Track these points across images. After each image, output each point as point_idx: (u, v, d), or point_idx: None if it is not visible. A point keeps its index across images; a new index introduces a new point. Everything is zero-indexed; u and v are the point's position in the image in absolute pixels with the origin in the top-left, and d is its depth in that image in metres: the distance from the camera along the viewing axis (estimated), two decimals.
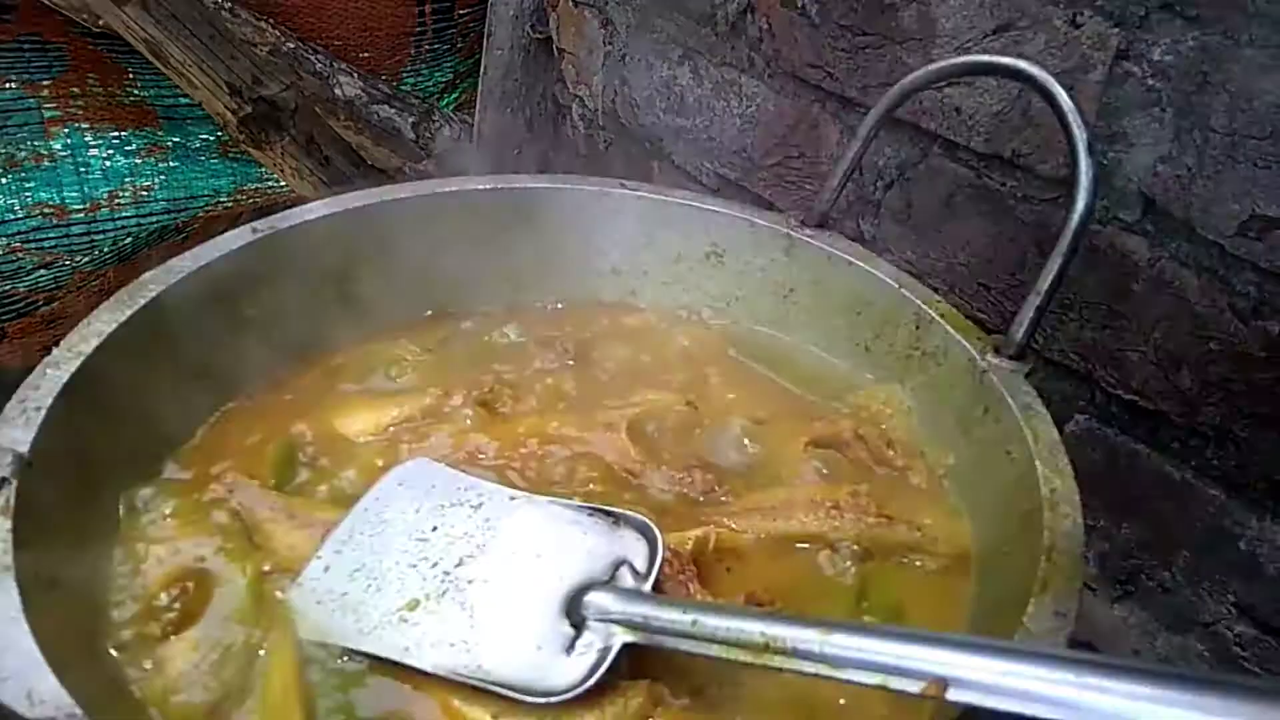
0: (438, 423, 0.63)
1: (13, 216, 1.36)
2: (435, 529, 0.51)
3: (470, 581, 0.49)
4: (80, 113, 1.36)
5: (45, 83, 1.33)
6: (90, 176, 1.39)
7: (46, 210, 1.38)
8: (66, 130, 1.36)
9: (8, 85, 1.31)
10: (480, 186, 0.73)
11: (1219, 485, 0.72)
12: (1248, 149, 0.64)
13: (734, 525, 0.56)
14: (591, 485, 0.59)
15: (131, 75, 1.36)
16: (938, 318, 0.63)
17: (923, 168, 0.86)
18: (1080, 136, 0.55)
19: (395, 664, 0.46)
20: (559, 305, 0.77)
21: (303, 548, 0.52)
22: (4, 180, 1.34)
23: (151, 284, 0.57)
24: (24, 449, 0.46)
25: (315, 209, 0.67)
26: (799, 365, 0.72)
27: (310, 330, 0.67)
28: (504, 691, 0.44)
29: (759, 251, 0.74)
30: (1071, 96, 0.70)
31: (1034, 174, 0.78)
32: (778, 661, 0.40)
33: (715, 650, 0.42)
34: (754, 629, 0.41)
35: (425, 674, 0.46)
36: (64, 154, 1.37)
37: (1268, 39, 0.62)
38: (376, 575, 0.49)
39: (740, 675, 0.48)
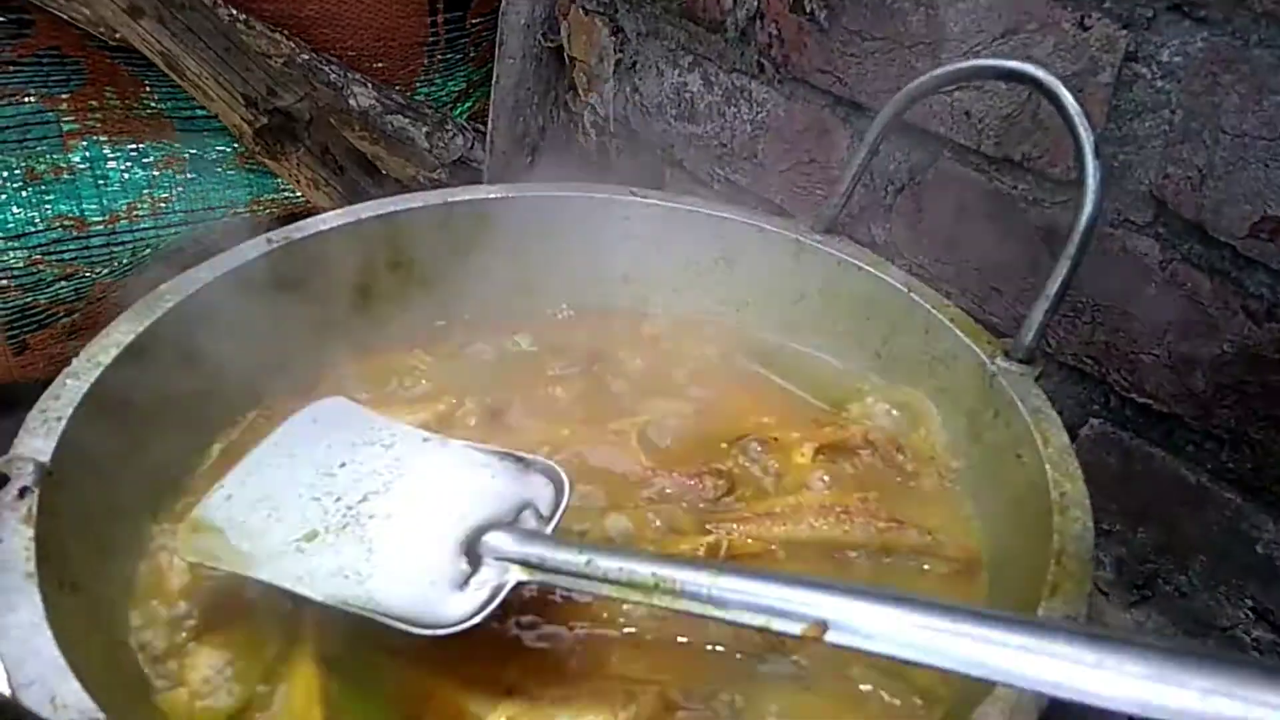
0: (450, 431, 0.63)
1: (33, 229, 1.38)
2: (343, 465, 0.52)
3: (371, 517, 0.49)
4: (98, 125, 1.38)
5: (64, 96, 1.34)
6: (109, 189, 1.41)
7: (66, 222, 1.40)
8: (85, 143, 1.38)
9: (27, 99, 1.33)
10: (491, 195, 0.74)
11: (1235, 488, 0.72)
12: (1258, 150, 0.64)
13: (745, 532, 0.56)
14: (601, 491, 0.59)
15: (148, 88, 1.38)
16: (947, 322, 0.63)
17: (933, 172, 0.86)
18: (1087, 139, 0.55)
19: (288, 592, 0.47)
20: (570, 313, 0.77)
21: None
22: (24, 193, 1.36)
23: (169, 294, 0.58)
24: (45, 458, 0.47)
25: (329, 219, 0.67)
26: (809, 370, 0.72)
27: (324, 340, 0.68)
28: (391, 622, 0.45)
29: (768, 257, 0.74)
30: (1080, 99, 0.70)
31: (1044, 177, 0.78)
32: (666, 601, 0.42)
33: (607, 590, 0.44)
34: (645, 570, 0.43)
35: (322, 604, 0.46)
36: (83, 166, 1.38)
37: (1276, 39, 0.61)
38: (278, 506, 0.50)
39: (755, 683, 0.48)
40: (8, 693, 0.36)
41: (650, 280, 0.79)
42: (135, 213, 1.43)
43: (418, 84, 1.50)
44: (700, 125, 1.08)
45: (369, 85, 1.42)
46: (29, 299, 1.41)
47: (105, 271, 1.44)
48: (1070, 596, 0.43)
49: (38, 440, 0.48)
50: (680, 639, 0.50)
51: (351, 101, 1.41)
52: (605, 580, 0.43)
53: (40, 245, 1.39)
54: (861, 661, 0.49)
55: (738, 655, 0.49)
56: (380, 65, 1.46)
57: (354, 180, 1.34)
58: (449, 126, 1.47)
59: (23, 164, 1.35)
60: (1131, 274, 0.74)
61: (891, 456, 0.62)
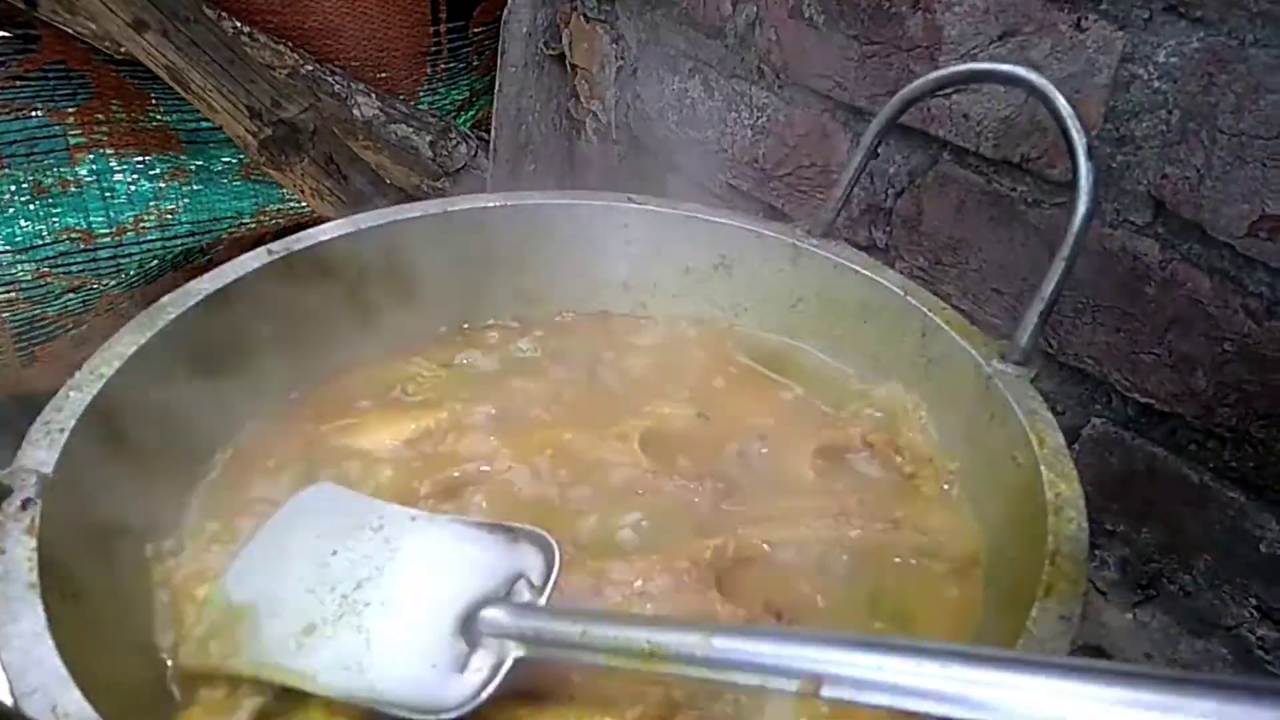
0: (454, 437, 0.64)
1: (41, 242, 1.39)
2: (335, 553, 0.51)
3: (367, 604, 0.48)
4: (105, 139, 1.39)
5: (70, 110, 1.35)
6: (116, 201, 1.42)
7: (73, 235, 1.41)
8: (92, 156, 1.39)
9: (34, 113, 1.34)
10: (490, 204, 0.74)
11: (1238, 487, 0.72)
12: (1255, 149, 0.64)
13: (747, 534, 0.56)
14: (604, 495, 0.60)
15: (154, 100, 1.39)
16: (943, 324, 0.64)
17: (933, 174, 0.86)
18: (1080, 141, 0.55)
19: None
20: (571, 318, 0.78)
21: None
22: (32, 206, 1.37)
23: (170, 306, 0.58)
24: (48, 470, 0.47)
25: (329, 230, 0.68)
26: (808, 373, 0.72)
27: (327, 349, 0.68)
28: (397, 711, 0.45)
29: (766, 262, 0.74)
30: (1077, 100, 0.70)
31: (1043, 178, 0.78)
32: (662, 668, 0.41)
33: (603, 659, 0.43)
34: (639, 637, 0.42)
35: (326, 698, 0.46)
36: (90, 180, 1.39)
37: (1271, 39, 0.62)
38: (274, 602, 0.49)
39: None
40: (10, 702, 0.37)
41: (650, 285, 0.79)
42: (142, 224, 1.44)
43: (421, 93, 1.51)
44: (701, 130, 1.09)
45: (372, 95, 1.43)
46: (37, 311, 1.42)
47: (113, 283, 1.45)
48: (1065, 596, 0.43)
49: (40, 452, 0.48)
50: None
51: (355, 111, 1.42)
52: (601, 650, 0.43)
53: (48, 258, 1.40)
54: None
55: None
56: (384, 75, 1.47)
57: (358, 190, 1.34)
58: (452, 135, 1.48)
59: (30, 178, 1.36)
60: (1131, 274, 0.74)
61: (889, 458, 0.62)
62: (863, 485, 0.61)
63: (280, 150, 1.27)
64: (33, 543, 0.43)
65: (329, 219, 0.71)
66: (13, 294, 1.39)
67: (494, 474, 0.61)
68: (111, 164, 1.40)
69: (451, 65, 1.52)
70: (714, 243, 0.76)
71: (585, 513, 0.59)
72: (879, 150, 0.71)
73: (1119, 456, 0.79)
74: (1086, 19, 0.71)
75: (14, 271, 1.38)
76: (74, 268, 1.42)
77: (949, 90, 0.79)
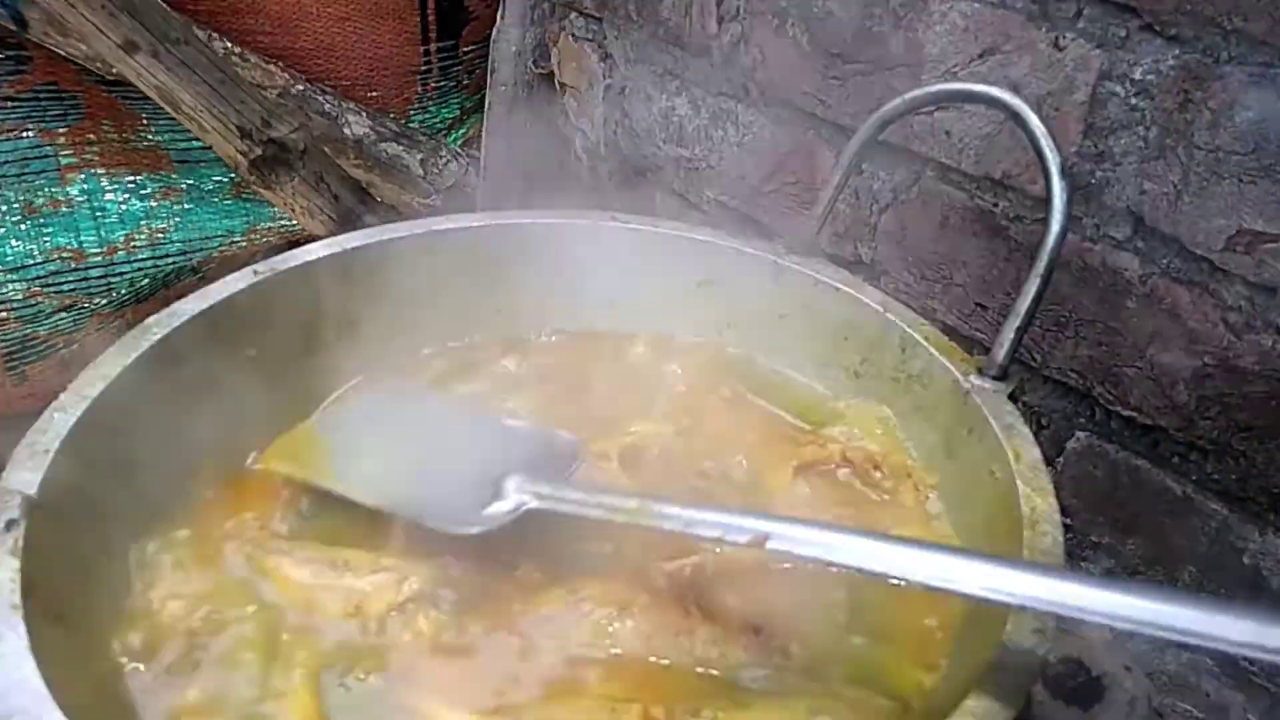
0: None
1: (32, 261, 1.39)
2: (396, 426, 0.62)
3: (420, 460, 0.59)
4: (96, 159, 1.39)
5: (61, 131, 1.36)
6: (107, 220, 1.42)
7: (65, 254, 1.41)
8: (83, 176, 1.39)
9: (25, 134, 1.34)
10: (476, 224, 0.75)
11: (1221, 499, 0.72)
12: (1231, 165, 0.65)
13: (725, 552, 0.56)
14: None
15: (145, 121, 1.39)
16: (922, 340, 0.64)
17: (916, 190, 0.87)
18: (1053, 159, 0.56)
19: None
20: (555, 337, 0.78)
21: (307, 584, 0.54)
22: (23, 226, 1.38)
23: (156, 327, 0.59)
24: (33, 491, 0.47)
25: (315, 250, 0.68)
26: (790, 390, 0.73)
27: (313, 369, 0.69)
28: (436, 524, 0.55)
29: (748, 279, 0.75)
30: (1056, 117, 0.71)
31: (1025, 194, 0.78)
32: (645, 520, 0.51)
33: (601, 514, 0.53)
34: (629, 503, 0.52)
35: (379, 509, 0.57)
36: (81, 199, 1.40)
37: (1246, 56, 0.62)
38: (345, 445, 0.61)
39: (735, 696, 0.49)
40: None
41: (634, 304, 0.79)
42: (133, 244, 1.44)
43: (411, 112, 1.52)
44: (689, 148, 1.10)
45: (363, 114, 1.44)
46: (28, 330, 1.42)
47: (104, 302, 1.45)
48: (1040, 611, 0.43)
49: (25, 473, 0.48)
50: (663, 661, 0.51)
51: (346, 130, 1.43)
52: (600, 507, 0.53)
53: (39, 277, 1.40)
54: (844, 675, 0.50)
55: (723, 673, 0.50)
56: (374, 94, 1.48)
57: (348, 208, 1.35)
58: (443, 153, 1.49)
59: (21, 198, 1.36)
60: (1112, 288, 0.74)
61: (869, 474, 0.63)
62: (842, 501, 0.61)
63: (271, 170, 1.28)
64: (16, 564, 0.44)
65: (320, 237, 0.71)
66: (4, 313, 1.39)
67: None
68: (103, 184, 1.41)
69: (442, 84, 1.53)
70: (697, 261, 0.77)
71: (564, 533, 0.58)
72: (862, 168, 0.71)
73: (1103, 469, 0.80)
74: (1064, 37, 0.72)
75: (5, 291, 1.39)
76: (65, 287, 1.42)
77: (928, 109, 0.80)
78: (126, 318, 1.46)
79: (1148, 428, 0.75)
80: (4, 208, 1.36)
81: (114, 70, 1.27)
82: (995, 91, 0.59)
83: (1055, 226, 0.56)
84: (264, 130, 1.25)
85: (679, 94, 1.09)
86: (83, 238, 1.41)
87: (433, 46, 1.49)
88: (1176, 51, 0.66)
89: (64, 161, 1.38)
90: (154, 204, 1.44)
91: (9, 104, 1.32)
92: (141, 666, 0.49)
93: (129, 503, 0.55)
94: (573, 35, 1.24)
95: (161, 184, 1.44)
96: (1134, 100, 0.69)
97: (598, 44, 1.20)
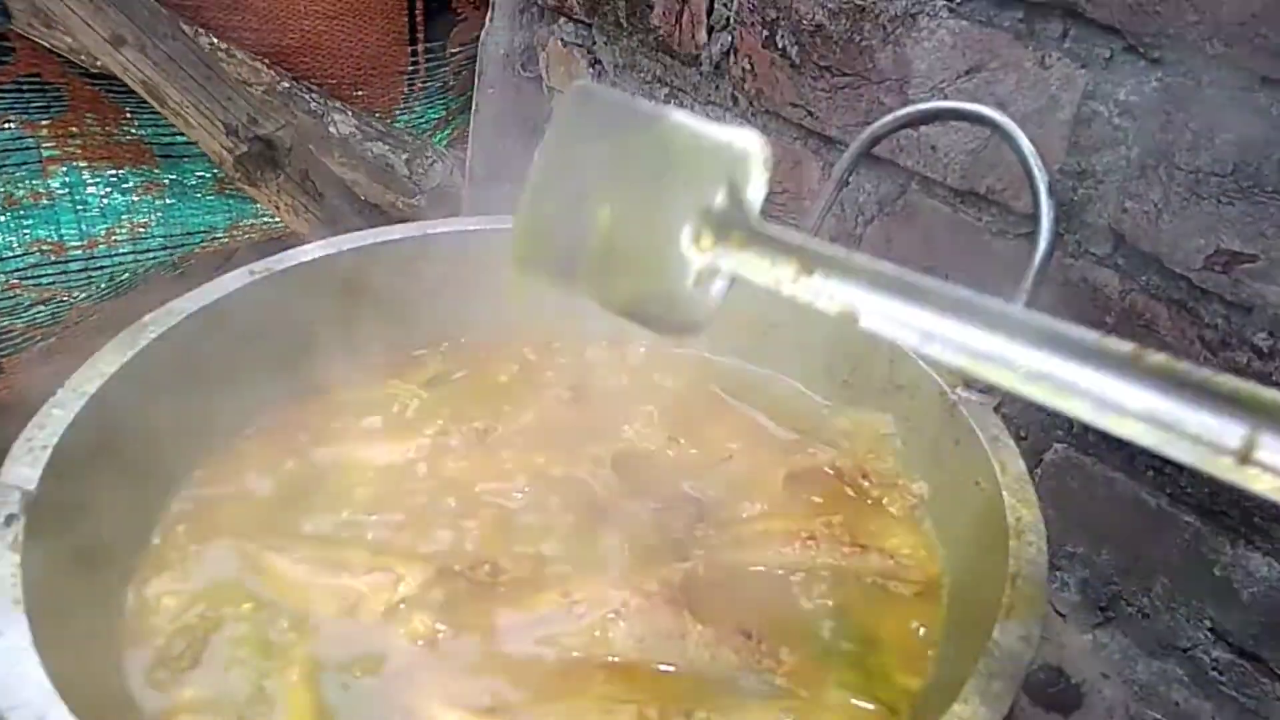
0: (432, 458, 0.65)
1: (11, 254, 1.38)
2: (597, 168, 0.48)
3: (619, 220, 0.46)
4: (78, 151, 1.39)
5: (44, 122, 1.35)
6: (88, 214, 1.42)
7: (45, 247, 1.40)
8: (65, 169, 1.38)
9: (7, 125, 1.33)
10: (470, 227, 0.75)
11: (1193, 512, 0.74)
12: (1211, 186, 0.66)
13: (717, 557, 0.58)
14: (576, 516, 0.61)
15: (129, 114, 1.39)
16: (910, 352, 0.65)
17: (901, 203, 0.88)
18: (1041, 179, 0.57)
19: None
20: (549, 343, 0.79)
21: (302, 583, 0.54)
22: (3, 218, 1.37)
23: (152, 325, 0.59)
24: (31, 486, 0.48)
25: (310, 250, 0.69)
26: (780, 399, 0.74)
27: (307, 370, 0.69)
28: (651, 328, 0.46)
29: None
30: (1040, 134, 0.73)
31: (1008, 209, 0.80)
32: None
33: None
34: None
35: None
36: (62, 192, 1.39)
37: (1226, 80, 0.64)
38: (554, 221, 0.48)
39: (731, 699, 0.50)
40: None
41: None
42: (114, 238, 1.44)
43: (398, 112, 1.52)
44: None
45: (349, 113, 1.44)
46: (5, 323, 1.41)
47: (83, 296, 1.44)
48: (1025, 618, 0.44)
49: (24, 469, 0.49)
50: (662, 666, 0.52)
51: (331, 129, 1.43)
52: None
53: (18, 270, 1.39)
54: (834, 680, 0.51)
55: (716, 676, 0.51)
56: (360, 93, 1.48)
57: (333, 206, 1.35)
58: (428, 154, 1.49)
59: (2, 189, 1.35)
60: (1091, 304, 0.76)
61: (857, 483, 0.64)
62: (831, 509, 0.62)
63: (256, 167, 1.27)
64: (16, 559, 0.44)
65: (303, 235, 0.71)
66: None
67: (472, 496, 0.62)
68: (84, 177, 1.40)
69: (428, 85, 1.53)
70: None
71: (558, 533, 0.60)
72: (849, 180, 0.72)
73: (1079, 481, 0.81)
74: (1050, 57, 0.73)
75: None
76: (44, 280, 1.41)
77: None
78: (105, 312, 1.46)
79: (1124, 441, 0.77)
80: None
81: (99, 63, 1.26)
82: (988, 111, 0.60)
83: (1043, 245, 0.57)
84: (250, 127, 1.25)
85: (667, 101, 1.09)
86: (63, 230, 1.40)
87: (420, 47, 1.49)
88: (1159, 74, 0.68)
89: (46, 154, 1.37)
90: (136, 198, 1.43)
91: None
92: (141, 663, 0.49)
93: (125, 498, 0.55)
94: (562, 40, 1.24)
95: (144, 178, 1.43)
96: (1117, 120, 0.71)
97: (586, 49, 1.20)
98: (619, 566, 0.57)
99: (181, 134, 1.33)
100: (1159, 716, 0.79)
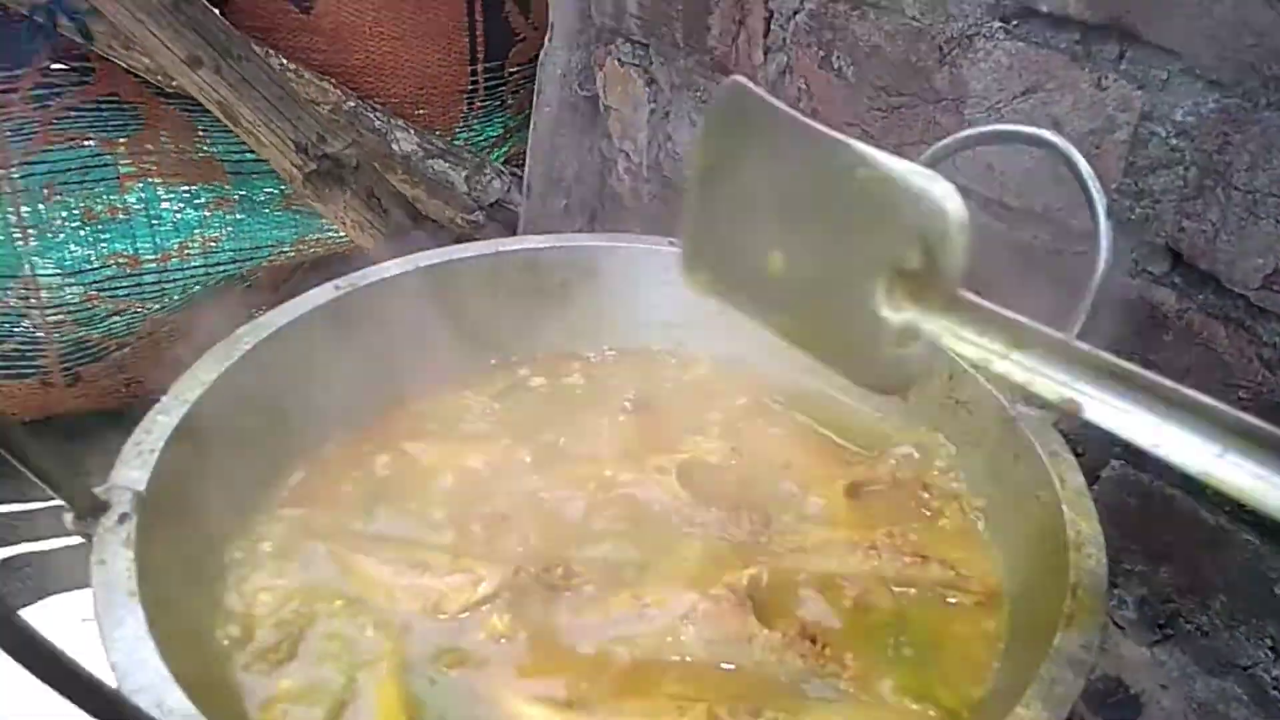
0: (506, 466, 0.68)
1: (89, 266, 1.44)
2: (762, 185, 0.45)
3: (800, 251, 0.44)
4: (154, 168, 1.44)
5: (121, 140, 1.41)
6: (162, 228, 1.47)
7: (121, 260, 1.46)
8: (141, 185, 1.44)
9: (86, 142, 1.39)
10: (539, 245, 0.78)
11: (1253, 530, 0.74)
12: (1269, 206, 0.67)
13: (781, 564, 0.60)
14: (644, 523, 0.63)
15: (202, 132, 1.44)
16: (969, 367, 0.67)
17: None
18: (1099, 200, 0.58)
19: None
20: (613, 356, 0.81)
21: (388, 583, 0.57)
22: (82, 232, 1.43)
23: (246, 338, 0.63)
24: (141, 487, 0.51)
25: (390, 268, 0.72)
26: (840, 413, 0.75)
27: (386, 381, 0.72)
28: (842, 374, 0.44)
29: None
30: (1097, 154, 0.74)
31: (1065, 228, 0.81)
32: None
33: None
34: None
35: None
36: (138, 207, 1.45)
37: None
38: (732, 229, 0.46)
39: (796, 701, 0.52)
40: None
41: (689, 326, 0.82)
42: (186, 251, 1.49)
43: (457, 129, 1.56)
44: None
45: (411, 131, 1.48)
46: (83, 333, 1.47)
47: (156, 307, 1.50)
48: (1085, 627, 0.46)
49: (133, 471, 0.52)
50: (726, 665, 0.54)
51: (395, 147, 1.47)
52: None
53: (95, 282, 1.45)
54: (896, 685, 0.53)
55: (782, 679, 0.53)
56: (422, 111, 1.52)
57: (397, 222, 1.39)
58: (487, 170, 1.53)
59: (81, 204, 1.41)
60: (1149, 322, 0.76)
61: (917, 495, 0.65)
62: (891, 520, 0.63)
63: (324, 183, 1.32)
64: (130, 554, 0.47)
65: (366, 250, 0.75)
66: (61, 316, 1.44)
67: (544, 503, 0.65)
68: (159, 192, 1.46)
69: (488, 103, 1.57)
70: None
71: (627, 539, 0.62)
72: None
73: (1137, 498, 0.82)
74: (1106, 78, 0.74)
75: (63, 295, 1.43)
76: (120, 292, 1.47)
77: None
78: (177, 323, 1.51)
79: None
80: (64, 214, 1.41)
81: (175, 83, 1.32)
82: (1047, 134, 0.62)
83: (1101, 265, 0.59)
84: (319, 145, 1.29)
85: None
86: (139, 244, 1.46)
87: (480, 67, 1.53)
88: (1216, 95, 0.68)
89: (123, 170, 1.42)
90: (208, 213, 1.49)
91: (72, 113, 1.37)
92: (241, 654, 0.52)
93: (224, 499, 0.59)
94: (619, 60, 1.27)
95: (215, 194, 1.48)
96: (1174, 141, 0.71)
97: (643, 69, 1.23)
98: (687, 571, 0.59)
99: (251, 151, 1.38)
100: None
